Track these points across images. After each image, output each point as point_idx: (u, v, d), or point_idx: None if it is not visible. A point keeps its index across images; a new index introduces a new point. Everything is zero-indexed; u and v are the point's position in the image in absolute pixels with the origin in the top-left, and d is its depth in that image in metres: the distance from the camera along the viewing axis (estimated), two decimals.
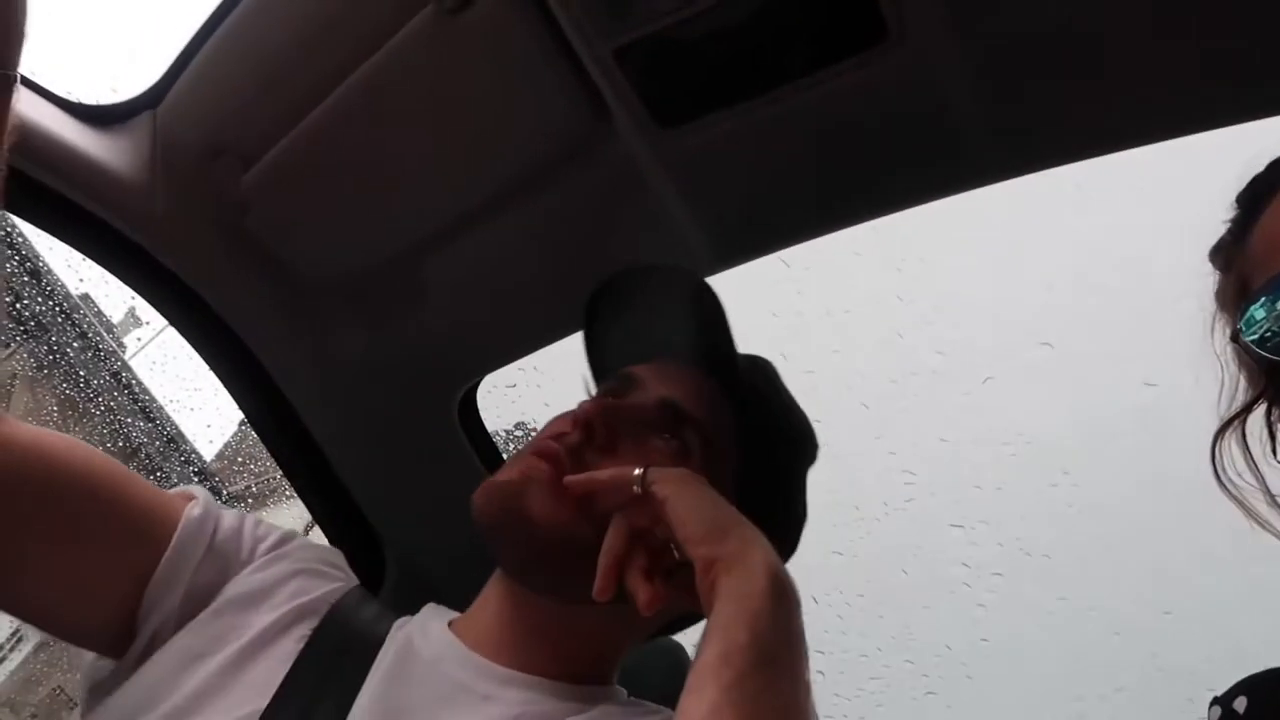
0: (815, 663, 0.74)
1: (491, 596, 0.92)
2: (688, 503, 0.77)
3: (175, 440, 9.61)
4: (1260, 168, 0.87)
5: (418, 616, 0.92)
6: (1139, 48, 0.93)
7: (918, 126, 1.01)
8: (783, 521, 1.00)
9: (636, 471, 0.80)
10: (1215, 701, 0.86)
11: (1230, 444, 0.87)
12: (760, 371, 1.05)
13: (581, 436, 0.88)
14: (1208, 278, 0.92)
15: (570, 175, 1.09)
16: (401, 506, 1.40)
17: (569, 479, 0.84)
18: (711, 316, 0.98)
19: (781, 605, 0.72)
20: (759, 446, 0.96)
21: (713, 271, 1.18)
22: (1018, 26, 0.92)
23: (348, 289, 1.24)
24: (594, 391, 1.01)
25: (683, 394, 0.93)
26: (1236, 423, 0.87)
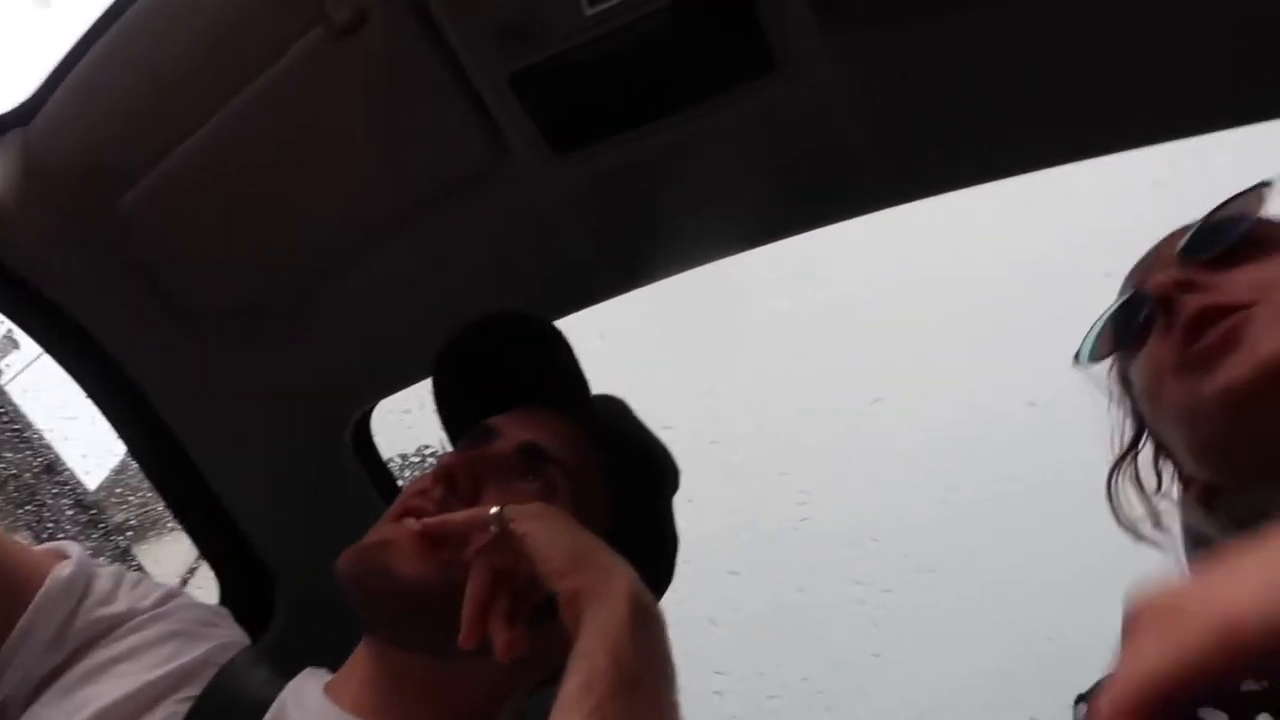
0: (713, 683, 0.75)
1: (362, 657, 0.89)
2: (547, 536, 0.76)
3: (53, 468, 9.11)
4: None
5: (293, 682, 0.89)
6: (1029, 78, 0.98)
7: (809, 153, 1.04)
8: (656, 550, 1.01)
9: (493, 510, 0.78)
10: (1080, 699, 0.86)
11: (1125, 479, 0.88)
12: (613, 408, 1.06)
13: (445, 489, 0.87)
14: (1083, 297, 0.96)
15: (466, 200, 1.08)
16: (293, 540, 1.35)
17: (424, 521, 0.82)
18: (560, 359, 0.99)
19: (644, 630, 0.72)
20: (624, 479, 0.97)
21: (610, 296, 1.19)
22: (908, 58, 0.96)
23: (234, 314, 1.20)
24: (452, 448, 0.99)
25: (542, 436, 0.93)
26: (1128, 460, 0.88)
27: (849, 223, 1.13)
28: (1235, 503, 0.79)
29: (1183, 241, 0.83)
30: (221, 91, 0.99)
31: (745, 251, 1.16)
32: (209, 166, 1.04)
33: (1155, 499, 0.86)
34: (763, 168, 1.06)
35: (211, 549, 1.34)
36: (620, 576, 0.75)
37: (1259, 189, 0.84)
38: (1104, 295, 0.91)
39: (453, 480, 0.87)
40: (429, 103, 0.98)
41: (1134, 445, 0.88)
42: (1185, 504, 0.85)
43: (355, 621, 0.91)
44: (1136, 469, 0.88)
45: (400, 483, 1.44)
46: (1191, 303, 0.76)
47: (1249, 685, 0.61)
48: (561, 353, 0.99)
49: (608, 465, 0.96)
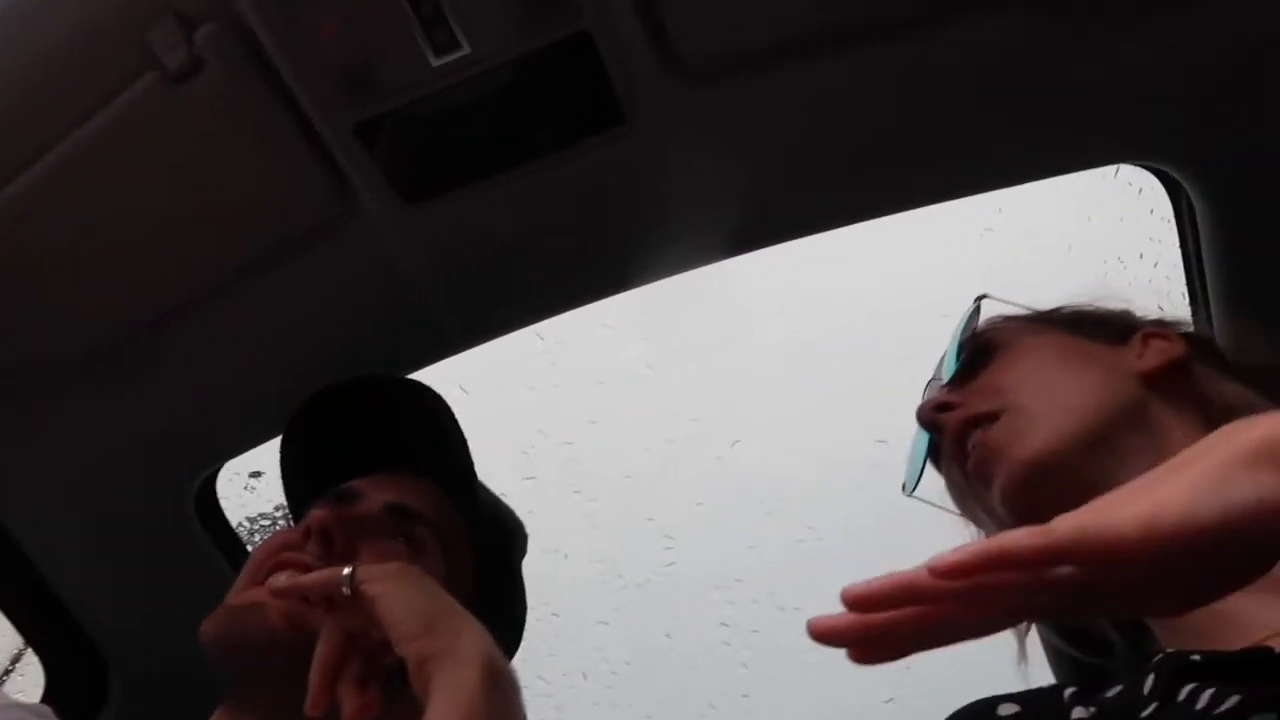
0: None
1: None
2: (398, 599, 0.75)
3: None
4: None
5: None
6: (865, 134, 1.03)
7: (656, 205, 1.06)
8: (513, 612, 1.02)
9: (346, 571, 0.76)
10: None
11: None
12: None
13: (320, 547, 0.85)
14: (923, 337, 1.02)
15: (313, 251, 1.05)
16: (130, 618, 1.26)
17: (275, 585, 0.80)
18: (436, 425, 0.98)
19: (496, 692, 0.71)
20: (487, 541, 0.97)
21: (464, 348, 1.18)
22: (760, 110, 0.99)
23: (61, 372, 1.12)
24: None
25: (407, 497, 0.93)
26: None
27: (703, 269, 1.16)
28: None
29: (936, 371, 0.93)
30: (49, 134, 0.93)
31: (600, 300, 1.17)
32: (35, 212, 0.98)
33: None
34: (614, 217, 1.07)
35: (36, 631, 1.23)
36: (472, 640, 0.73)
37: (977, 303, 0.95)
38: (942, 335, 0.97)
39: (328, 537, 0.84)
40: (272, 151, 0.95)
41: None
42: None
43: (198, 699, 0.86)
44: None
45: (250, 548, 1.37)
46: (951, 422, 0.85)
47: (1079, 714, 0.65)
48: (438, 419, 0.98)
49: (471, 527, 0.96)
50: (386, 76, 0.89)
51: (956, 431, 0.84)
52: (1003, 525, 0.82)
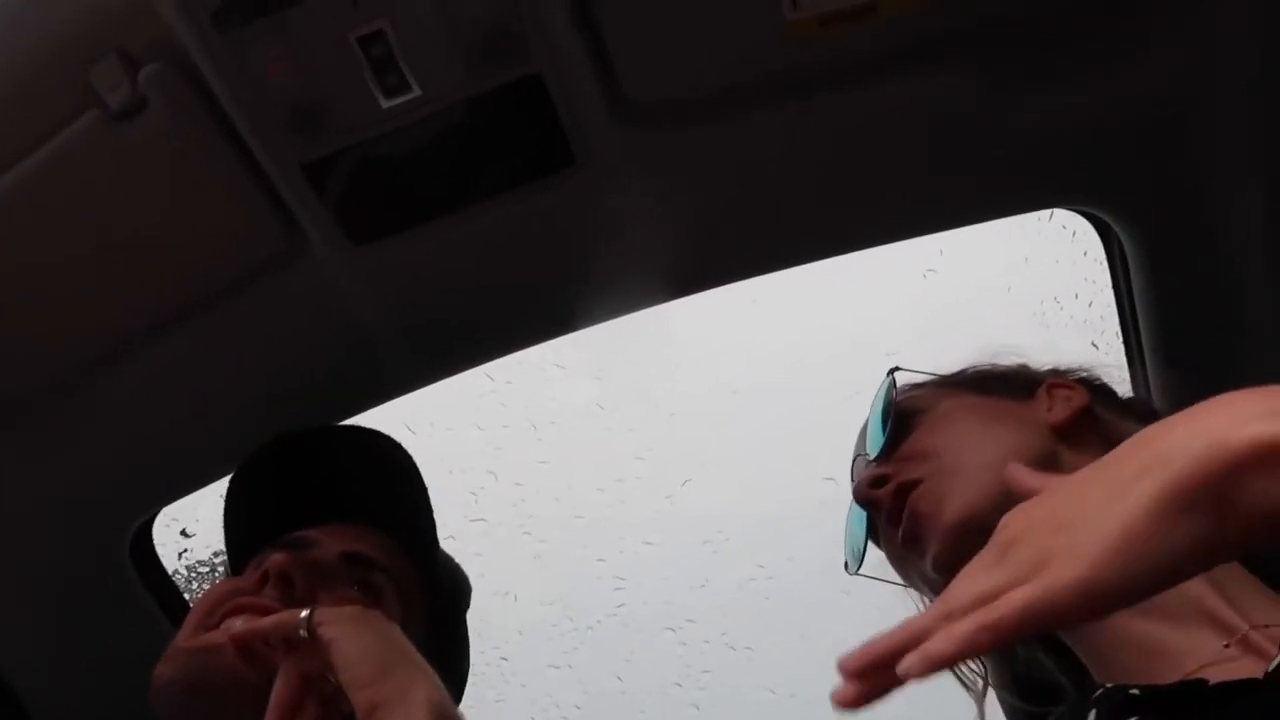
0: None
1: None
2: (353, 644, 0.74)
3: None
4: None
5: None
6: (806, 179, 1.05)
7: (606, 246, 1.06)
8: (460, 661, 1.03)
9: (304, 613, 0.75)
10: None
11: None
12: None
13: (281, 590, 0.83)
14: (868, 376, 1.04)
15: (260, 292, 1.04)
16: (59, 675, 1.21)
17: (234, 630, 0.79)
18: (394, 480, 0.98)
19: None
20: (438, 589, 0.98)
21: (414, 388, 1.17)
22: (709, 156, 1.01)
23: None
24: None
25: (360, 545, 0.93)
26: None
27: (653, 310, 1.17)
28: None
29: (859, 447, 0.96)
30: None
31: (548, 341, 1.17)
32: None
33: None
34: (564, 258, 1.08)
35: None
36: (423, 687, 0.72)
37: (891, 375, 0.98)
38: (883, 372, 1.00)
39: (289, 580, 0.83)
40: (217, 191, 0.94)
41: None
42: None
43: None
44: None
45: (188, 595, 1.33)
46: (883, 496, 0.87)
47: None
48: (397, 470, 0.99)
49: (426, 576, 0.96)
50: (336, 117, 0.89)
51: (892, 503, 0.86)
52: (938, 591, 0.83)
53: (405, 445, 1.05)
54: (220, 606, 0.86)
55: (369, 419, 1.17)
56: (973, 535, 0.77)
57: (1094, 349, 0.97)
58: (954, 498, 0.80)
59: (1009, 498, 0.76)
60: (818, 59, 0.93)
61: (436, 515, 1.04)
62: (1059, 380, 0.92)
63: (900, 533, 0.84)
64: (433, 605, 0.96)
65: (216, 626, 0.84)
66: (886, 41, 0.92)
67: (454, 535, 1.13)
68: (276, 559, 0.87)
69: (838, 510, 1.00)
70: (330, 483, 1.00)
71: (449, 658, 0.85)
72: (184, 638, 0.85)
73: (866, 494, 0.89)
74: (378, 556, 0.93)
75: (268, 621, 0.78)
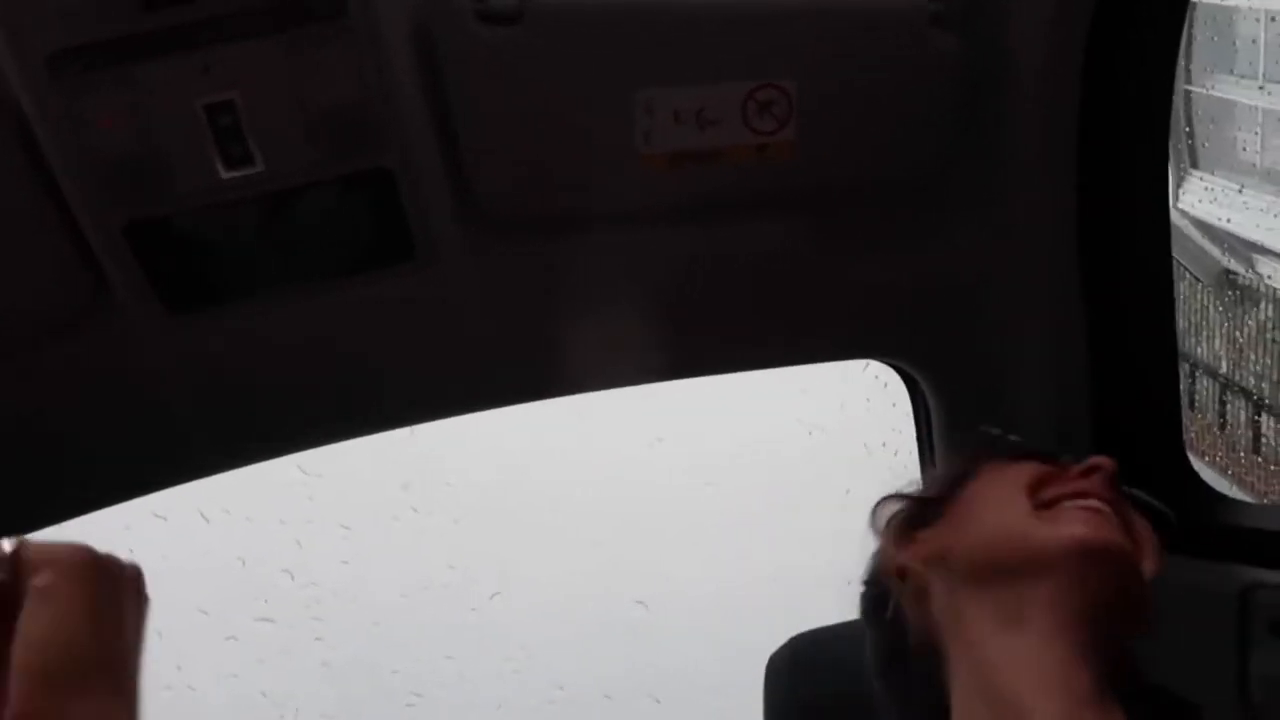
0: None
1: None
2: (58, 612, 0.58)
3: None
4: None
5: None
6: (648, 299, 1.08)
7: (437, 345, 1.05)
8: None
9: (6, 544, 0.59)
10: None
11: None
12: None
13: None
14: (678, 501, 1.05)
15: (58, 347, 0.96)
16: None
17: None
18: None
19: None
20: None
21: (213, 472, 1.10)
22: (550, 262, 1.02)
23: None
24: None
25: None
26: None
27: (481, 415, 1.16)
28: None
29: None
30: None
31: (362, 437, 1.13)
32: None
33: None
34: (392, 352, 1.06)
35: None
36: None
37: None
38: (702, 499, 1.01)
39: None
40: (26, 239, 0.87)
41: None
42: None
43: None
44: None
45: None
46: None
47: None
48: None
49: None
50: (171, 181, 0.85)
51: None
52: None
53: (197, 533, 0.97)
54: None
55: (159, 500, 1.09)
56: None
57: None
58: None
59: None
60: (664, 194, 0.98)
61: (220, 613, 0.96)
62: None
63: None
64: None
65: None
66: (729, 188, 0.98)
67: (236, 636, 1.05)
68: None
69: (646, 635, 0.99)
70: None
71: None
72: None
73: None
74: None
75: None
